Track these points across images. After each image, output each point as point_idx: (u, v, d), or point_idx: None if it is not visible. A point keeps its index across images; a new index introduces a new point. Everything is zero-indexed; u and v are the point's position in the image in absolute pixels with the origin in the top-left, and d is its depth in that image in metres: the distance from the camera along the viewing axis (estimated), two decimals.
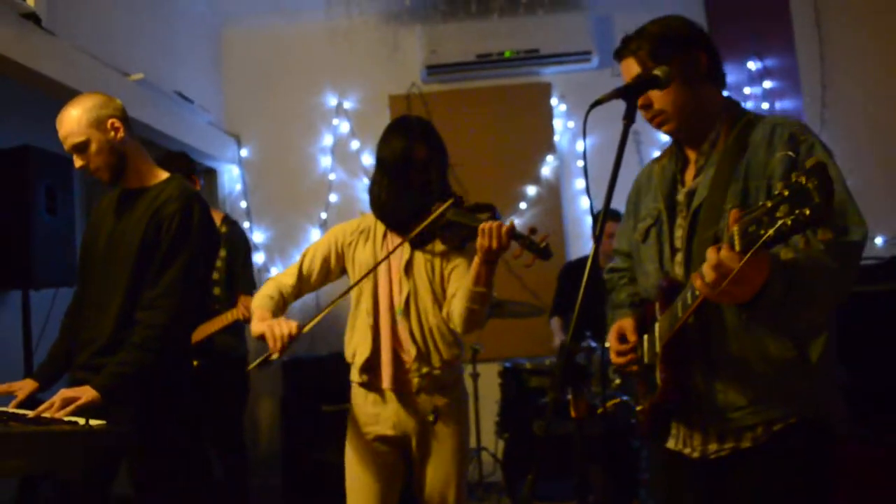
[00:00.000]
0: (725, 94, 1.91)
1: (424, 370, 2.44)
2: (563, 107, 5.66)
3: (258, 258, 5.43)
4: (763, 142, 1.72)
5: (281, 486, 4.85)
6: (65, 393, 2.20)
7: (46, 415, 2.14)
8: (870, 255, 3.28)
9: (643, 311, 1.97)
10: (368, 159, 5.56)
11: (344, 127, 5.67)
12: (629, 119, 1.66)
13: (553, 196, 5.56)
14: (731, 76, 5.51)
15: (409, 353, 2.45)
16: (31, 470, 2.59)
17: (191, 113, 4.97)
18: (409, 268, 2.48)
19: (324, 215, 5.54)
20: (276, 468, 5.07)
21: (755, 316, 1.53)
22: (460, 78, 5.63)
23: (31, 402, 2.42)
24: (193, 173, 3.99)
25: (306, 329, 2.32)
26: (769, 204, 1.27)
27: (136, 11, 4.44)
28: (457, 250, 2.46)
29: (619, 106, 1.66)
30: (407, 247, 2.48)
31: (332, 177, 5.62)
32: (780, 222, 1.24)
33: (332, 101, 5.70)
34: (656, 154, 2.04)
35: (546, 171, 5.57)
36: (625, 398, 3.76)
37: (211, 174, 5.56)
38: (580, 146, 5.59)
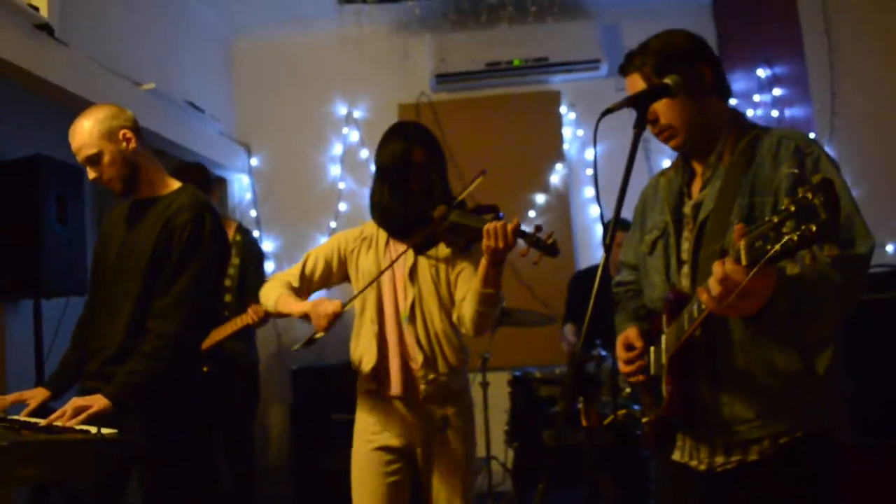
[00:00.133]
0: (733, 102, 1.91)
1: (431, 376, 2.43)
2: (572, 115, 5.66)
3: (268, 266, 5.44)
4: (769, 154, 1.73)
5: (290, 495, 4.85)
6: (76, 402, 2.21)
7: (58, 423, 2.14)
8: (881, 263, 3.27)
9: (650, 322, 1.97)
10: None
11: (353, 136, 5.69)
12: (640, 127, 1.67)
13: (562, 204, 5.56)
14: (741, 84, 5.53)
15: (416, 359, 2.44)
16: (43, 478, 2.60)
17: (201, 122, 4.99)
18: (413, 274, 2.47)
19: (333, 224, 5.56)
20: (286, 476, 5.07)
21: (761, 330, 1.53)
22: (469, 86, 5.65)
23: (43, 410, 2.43)
24: (209, 184, 4.02)
25: (347, 307, 2.37)
26: (776, 219, 1.27)
27: (148, 22, 4.47)
28: (462, 253, 2.46)
29: (628, 115, 1.67)
30: (410, 252, 2.47)
31: (341, 185, 5.64)
32: (786, 238, 1.24)
33: (342, 110, 5.72)
34: (666, 162, 2.05)
35: (555, 179, 5.57)
36: (635, 408, 3.74)
37: (221, 183, 5.58)
38: (589, 154, 5.59)
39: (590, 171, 5.54)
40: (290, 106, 5.74)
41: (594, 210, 5.55)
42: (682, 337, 1.68)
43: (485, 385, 4.55)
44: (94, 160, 2.47)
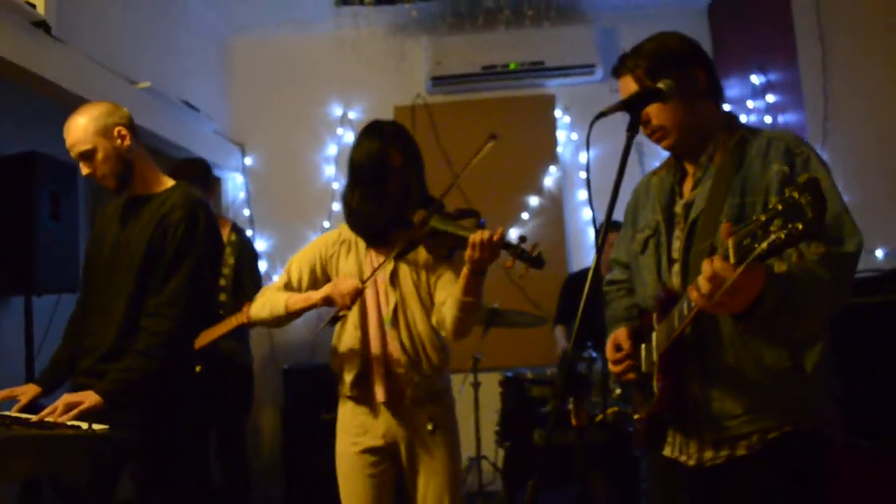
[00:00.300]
0: (727, 107, 1.92)
1: (416, 379, 2.42)
2: (566, 118, 5.68)
3: (261, 266, 5.44)
4: (759, 155, 1.75)
5: (282, 494, 4.85)
6: (68, 398, 2.21)
7: (49, 419, 2.15)
8: (871, 268, 3.29)
9: (641, 320, 1.99)
10: None
11: (348, 137, 5.70)
12: (633, 130, 1.69)
13: (555, 207, 5.58)
14: (735, 90, 5.56)
15: (401, 363, 2.42)
16: (34, 474, 2.60)
17: (196, 121, 5.00)
18: (394, 278, 2.44)
19: (327, 224, 5.56)
20: (278, 476, 5.07)
21: (749, 327, 1.55)
22: (465, 89, 5.67)
23: (34, 407, 2.43)
24: (210, 180, 4.04)
25: (366, 284, 2.34)
26: (763, 218, 1.29)
27: (144, 20, 4.48)
28: (443, 261, 2.41)
29: (622, 118, 1.68)
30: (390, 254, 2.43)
31: (335, 186, 5.64)
32: (773, 236, 1.27)
33: (338, 111, 5.73)
34: (658, 165, 2.06)
35: (549, 181, 5.59)
36: (620, 406, 3.77)
37: (215, 182, 5.58)
38: (583, 157, 5.61)
39: (583, 175, 5.56)
40: (285, 106, 5.75)
41: (587, 213, 5.57)
42: (672, 335, 1.70)
43: (476, 385, 4.56)
44: (88, 156, 2.47)
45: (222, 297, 4.02)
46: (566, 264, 5.48)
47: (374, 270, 2.39)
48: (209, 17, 5.44)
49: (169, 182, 2.63)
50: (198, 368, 2.78)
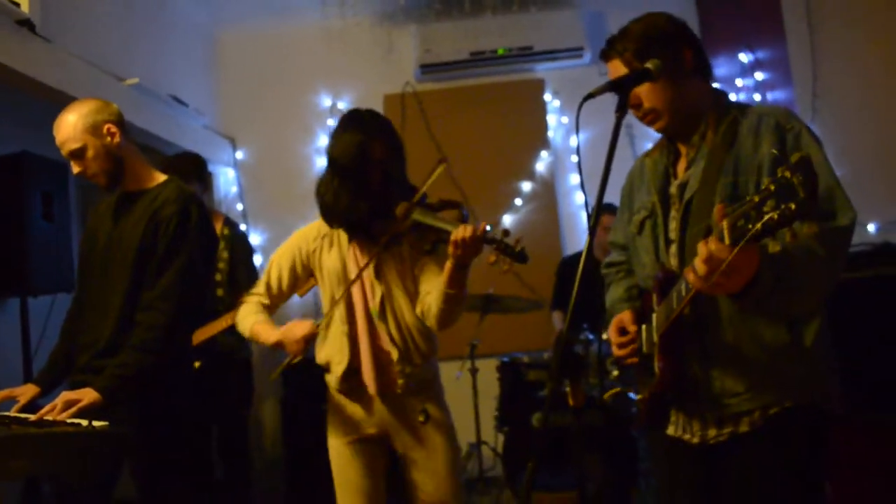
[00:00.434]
0: (715, 85, 1.93)
1: (408, 370, 2.41)
2: (556, 103, 5.68)
3: (256, 260, 5.43)
4: (750, 133, 1.76)
5: (285, 489, 4.86)
6: (66, 395, 2.21)
7: (49, 417, 2.15)
8: (862, 242, 3.31)
9: (642, 302, 2.01)
10: None
11: None
12: (622, 111, 1.70)
13: (548, 191, 5.58)
14: (723, 68, 5.56)
15: (391, 355, 2.41)
16: (35, 472, 2.60)
17: (185, 116, 4.98)
18: (379, 270, 2.41)
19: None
20: (280, 470, 5.08)
21: (746, 306, 1.56)
22: (454, 76, 5.66)
23: (33, 407, 2.43)
24: (205, 174, 4.06)
25: (321, 326, 2.35)
26: (756, 199, 1.30)
27: (130, 16, 4.45)
28: (426, 254, 2.37)
29: (612, 101, 1.69)
30: (373, 249, 2.39)
31: None
32: (766, 217, 1.28)
33: (327, 101, 5.71)
34: (650, 147, 2.07)
35: (540, 166, 5.60)
36: (619, 388, 3.79)
37: (210, 177, 5.57)
38: (574, 141, 5.62)
39: (575, 158, 5.57)
40: (274, 98, 5.73)
41: (580, 196, 5.58)
42: (671, 316, 1.72)
43: (474, 371, 4.57)
44: (78, 154, 2.47)
45: (219, 291, 4.02)
46: (560, 248, 5.49)
47: (360, 272, 2.37)
48: (196, 11, 5.42)
49: (161, 177, 2.62)
50: (197, 364, 2.79)
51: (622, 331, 1.99)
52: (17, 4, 3.26)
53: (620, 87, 1.72)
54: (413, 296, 2.42)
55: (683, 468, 1.89)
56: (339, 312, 2.44)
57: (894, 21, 3.67)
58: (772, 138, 1.70)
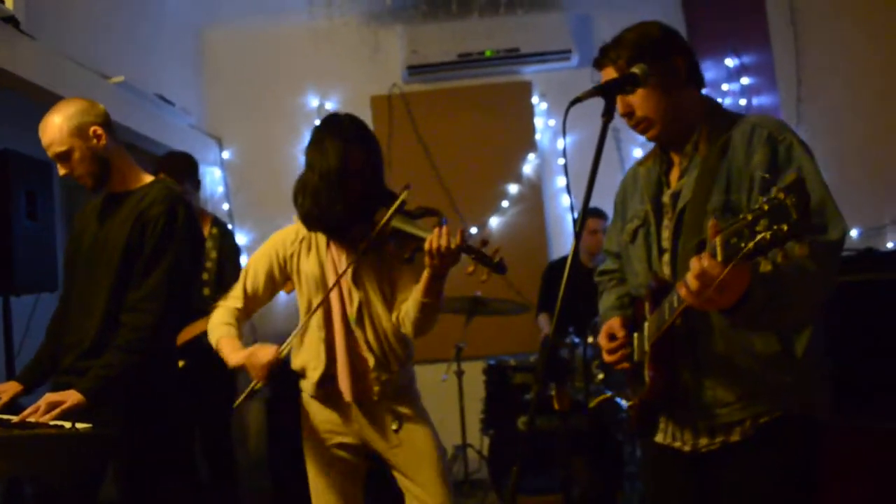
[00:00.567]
0: (704, 92, 1.94)
1: (384, 377, 2.40)
2: (543, 105, 5.69)
3: (243, 260, 5.41)
4: (742, 143, 1.76)
5: (270, 488, 4.84)
6: (50, 397, 2.20)
7: (31, 419, 2.13)
8: (846, 248, 3.32)
9: (633, 309, 2.02)
10: None
11: None
12: (608, 116, 1.70)
13: (535, 194, 5.59)
14: (709, 73, 5.59)
15: (368, 362, 2.39)
16: (17, 473, 2.59)
17: (172, 115, 4.95)
18: (357, 277, 2.38)
19: None
20: (265, 469, 5.06)
21: (737, 322, 1.57)
22: (441, 78, 5.65)
23: (15, 406, 2.41)
24: (197, 173, 4.07)
25: (284, 352, 2.29)
26: (749, 217, 1.31)
27: (116, 14, 4.42)
28: (404, 262, 2.32)
29: (599, 104, 1.69)
30: (351, 254, 2.37)
31: None
32: (759, 236, 1.28)
33: (314, 102, 5.70)
34: (637, 152, 2.09)
35: (527, 169, 5.61)
36: (608, 393, 3.80)
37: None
38: (561, 144, 5.63)
39: (562, 161, 5.58)
40: (261, 98, 5.71)
41: (567, 199, 5.59)
42: (662, 326, 1.72)
43: (459, 374, 4.58)
44: (64, 157, 2.45)
45: (206, 291, 4.01)
46: (547, 251, 5.50)
47: (338, 278, 2.35)
48: (182, 9, 5.39)
49: (147, 178, 2.61)
50: (181, 363, 2.78)
51: (612, 336, 1.99)
52: (2, 1, 3.23)
53: (607, 92, 1.72)
54: (390, 302, 2.40)
55: (673, 476, 1.90)
56: (316, 318, 2.41)
57: (879, 26, 3.71)
58: (764, 150, 1.71)
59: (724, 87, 4.98)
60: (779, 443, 1.73)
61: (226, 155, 5.71)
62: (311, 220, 2.34)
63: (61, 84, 3.55)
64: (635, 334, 1.94)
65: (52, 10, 3.70)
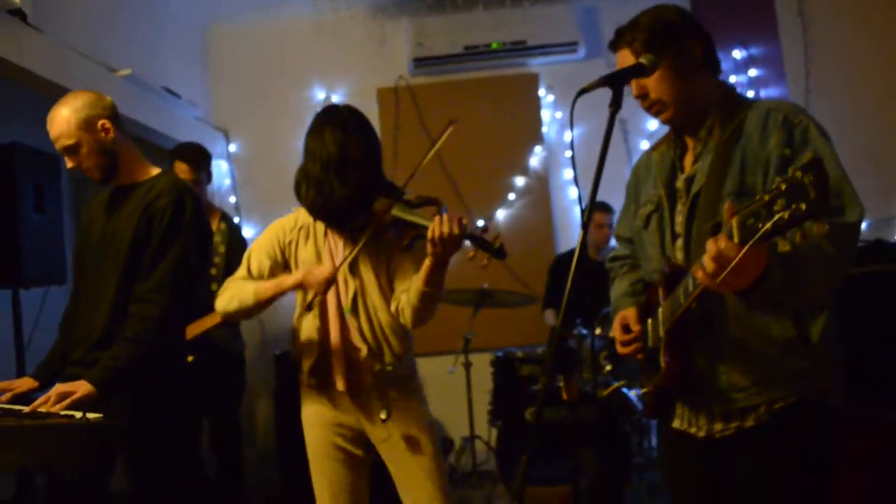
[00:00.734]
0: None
1: (377, 367, 2.39)
2: (550, 97, 5.68)
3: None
4: (757, 127, 1.75)
5: (279, 482, 4.86)
6: (60, 388, 2.21)
7: (42, 409, 2.14)
8: None
9: (646, 295, 2.01)
10: None
11: None
12: (616, 106, 1.68)
13: (542, 186, 5.58)
14: None
15: (361, 351, 2.38)
16: (28, 463, 2.60)
17: (178, 108, 4.96)
18: (353, 265, 2.38)
19: None
20: (273, 462, 5.08)
21: (753, 304, 1.56)
22: (448, 70, 5.64)
23: (27, 400, 2.42)
24: (208, 163, 4.07)
25: (340, 270, 2.31)
26: (767, 197, 1.30)
27: (123, 7, 4.43)
28: (404, 250, 2.33)
29: (606, 96, 1.68)
30: (350, 243, 2.38)
31: None
32: (777, 216, 1.27)
33: (320, 94, 5.69)
34: (644, 144, 2.07)
35: (534, 161, 5.60)
36: (613, 383, 3.81)
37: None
38: (568, 136, 5.62)
39: (569, 153, 5.57)
40: (267, 91, 5.71)
41: (574, 191, 5.58)
42: (678, 311, 1.71)
43: (467, 366, 4.59)
44: (72, 150, 2.45)
45: (214, 286, 4.02)
46: (553, 243, 5.49)
47: (344, 260, 2.34)
48: (189, 2, 5.39)
49: (154, 170, 2.62)
50: (190, 358, 2.79)
51: (626, 328, 1.99)
52: None
53: (614, 82, 1.71)
54: (388, 293, 2.39)
55: (689, 461, 1.90)
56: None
57: (887, 18, 3.68)
58: (780, 134, 1.70)
59: (732, 78, 4.95)
60: (793, 428, 1.73)
61: (232, 148, 5.72)
62: (317, 209, 2.34)
63: (68, 77, 3.56)
64: (649, 320, 1.93)
65: (58, 3, 3.71)
